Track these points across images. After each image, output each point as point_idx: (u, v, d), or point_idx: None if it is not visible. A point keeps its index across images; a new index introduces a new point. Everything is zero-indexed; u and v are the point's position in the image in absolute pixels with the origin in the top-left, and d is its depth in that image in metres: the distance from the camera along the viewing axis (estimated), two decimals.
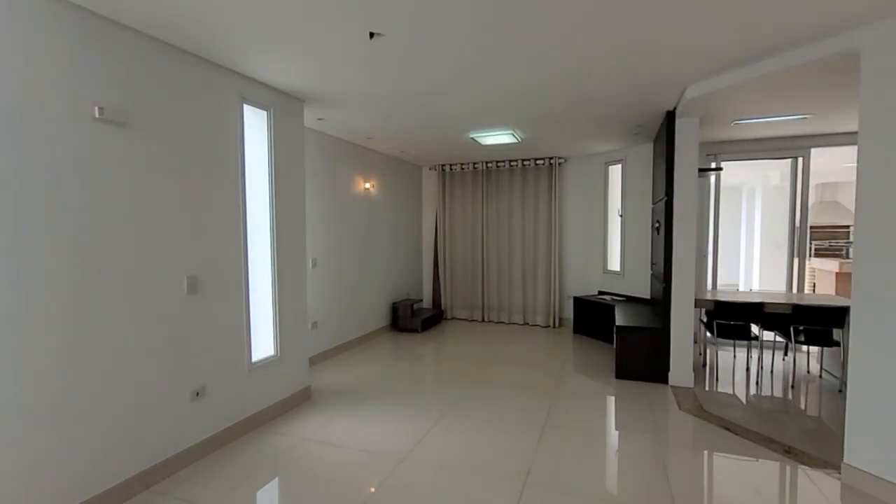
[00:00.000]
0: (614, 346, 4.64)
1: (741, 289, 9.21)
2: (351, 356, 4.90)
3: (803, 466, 2.58)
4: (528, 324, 6.54)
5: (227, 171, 2.86)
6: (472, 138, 4.92)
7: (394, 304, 6.16)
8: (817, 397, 3.70)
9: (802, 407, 3.52)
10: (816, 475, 2.49)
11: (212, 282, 2.75)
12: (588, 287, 6.30)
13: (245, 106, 3.01)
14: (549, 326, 6.35)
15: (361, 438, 2.95)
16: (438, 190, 6.89)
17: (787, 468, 2.58)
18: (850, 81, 3.10)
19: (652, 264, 4.79)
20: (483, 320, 6.77)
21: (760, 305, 3.94)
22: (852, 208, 8.74)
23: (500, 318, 6.71)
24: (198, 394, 2.66)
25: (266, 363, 3.21)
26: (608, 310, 5.43)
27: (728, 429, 3.07)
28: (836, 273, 6.91)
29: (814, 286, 7.52)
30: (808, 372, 4.32)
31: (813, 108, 3.81)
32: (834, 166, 7.16)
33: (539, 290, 6.43)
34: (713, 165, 5.13)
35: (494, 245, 6.69)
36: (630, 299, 5.56)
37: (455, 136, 4.94)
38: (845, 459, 2.39)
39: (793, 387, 3.92)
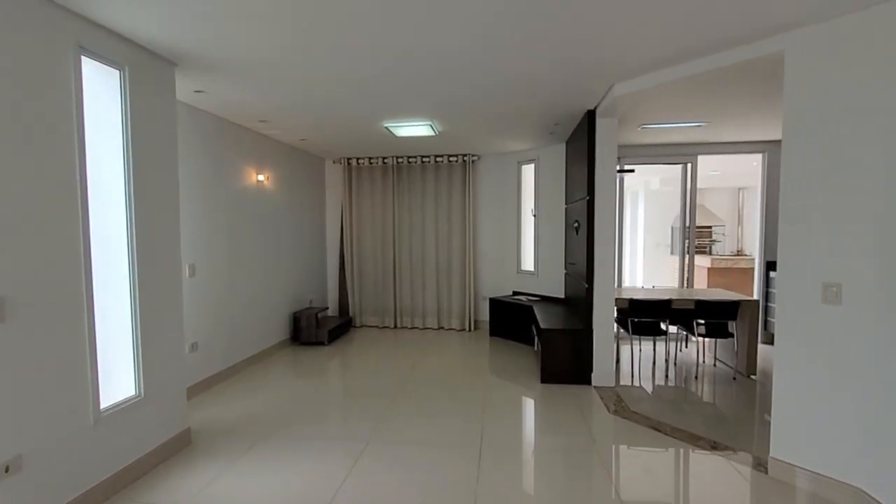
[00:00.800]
0: (536, 349, 4.55)
1: (627, 285, 10.09)
2: (243, 381, 4.10)
3: (733, 462, 2.62)
4: (442, 328, 6.24)
5: (57, 148, 2.03)
6: (386, 128, 4.45)
7: (295, 313, 5.41)
8: (720, 387, 3.95)
9: (711, 398, 3.72)
10: (747, 470, 2.54)
11: (30, 304, 1.92)
12: (502, 288, 6.21)
13: (85, 59, 2.19)
14: (464, 330, 6.13)
15: (262, 495, 2.32)
16: (344, 186, 6.27)
17: (719, 464, 2.60)
18: (747, 91, 3.32)
19: (570, 264, 4.81)
20: (395, 326, 6.32)
21: (669, 302, 4.13)
22: (716, 212, 10.11)
23: (414, 323, 6.31)
24: (8, 469, 1.82)
25: (125, 407, 2.40)
26: (524, 311, 5.36)
27: (657, 429, 3.07)
28: (708, 268, 7.82)
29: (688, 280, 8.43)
30: (704, 362, 4.67)
31: (709, 117, 4.09)
32: (701, 173, 8.07)
33: (454, 292, 6.18)
34: (618, 168, 5.34)
35: (406, 246, 6.27)
36: (545, 299, 5.56)
37: (367, 126, 4.42)
38: (772, 453, 2.46)
39: (696, 378, 4.17)
